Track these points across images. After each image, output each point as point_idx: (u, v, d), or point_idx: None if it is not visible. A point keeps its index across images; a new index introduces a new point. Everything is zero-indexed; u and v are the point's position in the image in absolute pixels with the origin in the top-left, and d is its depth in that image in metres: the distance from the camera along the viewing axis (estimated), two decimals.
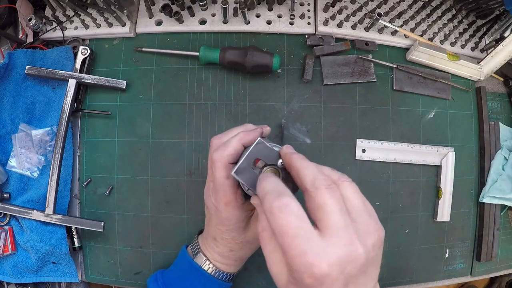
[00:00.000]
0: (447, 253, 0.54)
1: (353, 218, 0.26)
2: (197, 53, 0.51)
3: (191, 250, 0.42)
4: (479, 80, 0.56)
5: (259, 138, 0.33)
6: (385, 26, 0.52)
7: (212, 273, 0.40)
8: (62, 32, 0.54)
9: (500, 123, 0.56)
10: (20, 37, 0.55)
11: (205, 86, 0.53)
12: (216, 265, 0.40)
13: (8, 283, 0.50)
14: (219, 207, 0.36)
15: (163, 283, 0.42)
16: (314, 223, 0.26)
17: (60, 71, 0.51)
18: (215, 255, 0.40)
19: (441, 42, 0.55)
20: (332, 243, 0.24)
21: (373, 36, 0.54)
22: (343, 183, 0.28)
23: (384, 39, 0.54)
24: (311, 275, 0.24)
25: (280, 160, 0.33)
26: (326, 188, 0.26)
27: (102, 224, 0.48)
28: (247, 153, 0.33)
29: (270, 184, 0.28)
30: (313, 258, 0.23)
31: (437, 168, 0.54)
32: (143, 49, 0.53)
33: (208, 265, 0.40)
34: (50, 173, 0.48)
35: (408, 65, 0.54)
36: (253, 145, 0.33)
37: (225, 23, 0.53)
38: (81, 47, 0.51)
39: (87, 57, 0.52)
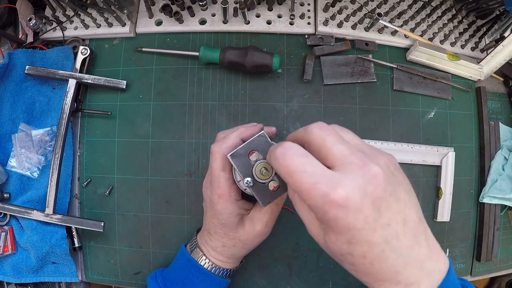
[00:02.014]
0: (447, 253, 0.54)
1: (359, 149, 0.26)
2: (197, 53, 0.51)
3: (189, 246, 0.43)
4: (479, 80, 0.56)
5: (262, 131, 0.34)
6: (385, 26, 0.52)
7: (208, 268, 0.40)
8: (62, 32, 0.54)
9: (500, 123, 0.56)
10: (20, 37, 0.55)
11: (205, 86, 0.53)
12: (211, 260, 0.40)
13: (8, 283, 0.50)
14: (213, 199, 0.37)
15: (162, 281, 0.42)
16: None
17: (60, 71, 0.51)
18: (209, 249, 0.40)
19: (441, 42, 0.55)
20: (344, 170, 0.24)
21: (373, 36, 0.54)
22: (342, 129, 0.28)
23: (384, 39, 0.54)
24: (331, 203, 0.23)
25: None
26: (322, 130, 0.26)
27: (102, 224, 0.48)
28: (248, 141, 0.34)
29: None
30: (325, 186, 0.23)
31: (437, 168, 0.54)
32: (143, 49, 0.53)
33: (205, 260, 0.40)
34: (50, 173, 0.48)
35: (408, 65, 0.54)
36: (256, 135, 0.34)
37: (225, 23, 0.53)
38: (81, 47, 0.51)
39: (87, 57, 0.52)
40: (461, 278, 0.31)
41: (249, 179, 0.33)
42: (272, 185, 0.34)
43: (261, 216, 0.38)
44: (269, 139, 0.34)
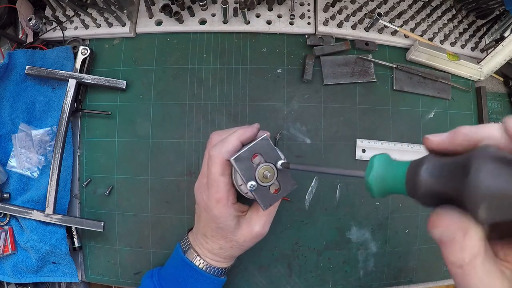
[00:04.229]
0: None
1: None
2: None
3: (182, 246, 0.43)
4: (479, 80, 0.56)
5: (265, 135, 0.34)
6: (385, 26, 0.52)
7: (203, 268, 0.40)
8: (62, 32, 0.54)
9: (500, 123, 0.56)
10: (20, 37, 0.55)
11: (205, 86, 0.53)
12: (207, 260, 0.40)
13: (8, 283, 0.50)
14: (210, 204, 0.36)
15: (157, 279, 0.42)
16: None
17: (60, 71, 0.51)
18: (205, 251, 0.40)
19: (441, 42, 0.55)
20: None
21: (373, 36, 0.54)
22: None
23: (384, 39, 0.54)
24: None
25: (280, 162, 0.33)
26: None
27: (102, 224, 0.48)
28: (251, 144, 0.33)
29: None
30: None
31: None
32: None
33: (199, 260, 0.40)
34: (50, 173, 0.48)
35: (408, 65, 0.54)
36: (259, 139, 0.33)
37: (225, 23, 0.53)
38: (81, 47, 0.51)
39: (87, 57, 0.52)
40: None
41: (253, 182, 0.32)
42: (273, 188, 0.34)
43: (259, 218, 0.38)
44: (272, 143, 0.33)
